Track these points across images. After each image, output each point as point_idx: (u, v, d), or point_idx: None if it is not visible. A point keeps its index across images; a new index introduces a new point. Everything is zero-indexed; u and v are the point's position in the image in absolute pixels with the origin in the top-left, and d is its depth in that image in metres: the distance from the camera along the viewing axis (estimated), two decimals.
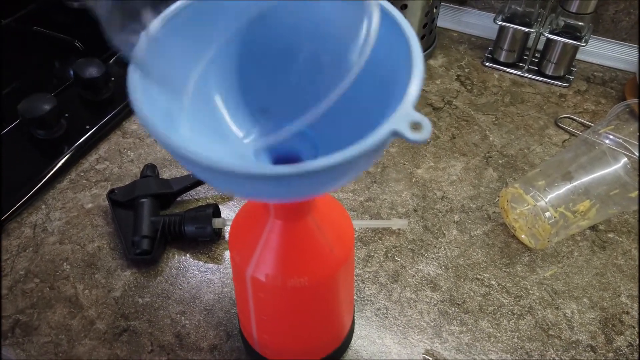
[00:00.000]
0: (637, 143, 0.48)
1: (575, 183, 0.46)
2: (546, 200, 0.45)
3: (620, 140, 0.48)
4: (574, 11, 0.59)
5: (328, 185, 0.23)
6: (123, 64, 0.69)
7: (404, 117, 0.21)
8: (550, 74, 0.65)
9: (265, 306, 0.33)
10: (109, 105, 0.61)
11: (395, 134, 0.20)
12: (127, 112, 0.61)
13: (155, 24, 0.25)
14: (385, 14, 0.24)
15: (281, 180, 0.20)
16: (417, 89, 0.21)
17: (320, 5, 0.27)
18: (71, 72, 0.61)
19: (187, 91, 0.26)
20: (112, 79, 0.63)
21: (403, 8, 0.62)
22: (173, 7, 0.26)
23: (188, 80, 0.26)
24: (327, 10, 0.27)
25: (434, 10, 0.65)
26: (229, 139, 0.28)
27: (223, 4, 0.27)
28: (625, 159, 0.46)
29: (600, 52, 0.68)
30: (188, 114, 0.26)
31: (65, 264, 0.47)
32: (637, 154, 0.47)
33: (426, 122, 0.20)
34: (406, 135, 0.20)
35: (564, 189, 0.46)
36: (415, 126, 0.21)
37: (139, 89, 0.22)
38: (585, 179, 0.47)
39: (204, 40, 0.27)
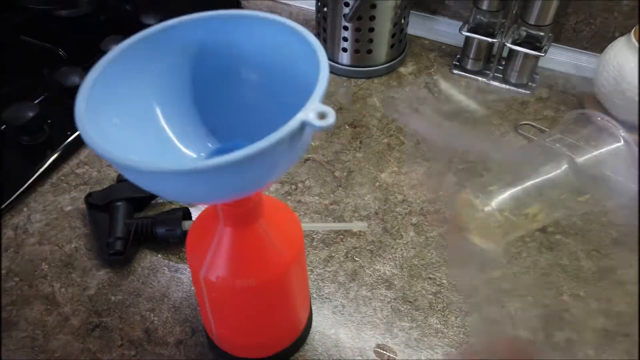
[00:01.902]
0: (584, 148, 0.51)
1: (523, 186, 0.49)
2: (492, 204, 0.48)
3: (567, 147, 0.51)
4: (533, 23, 0.62)
5: (258, 178, 0.25)
6: None
7: (312, 109, 0.24)
8: (513, 81, 0.68)
9: (219, 305, 0.36)
10: None
11: (305, 124, 0.24)
12: None
13: (100, 62, 0.28)
14: (299, 35, 0.28)
15: (203, 173, 0.23)
16: (323, 87, 0.25)
17: (253, 34, 0.30)
18: (55, 80, 0.64)
19: (136, 118, 0.29)
20: None
21: (372, 19, 0.65)
22: (117, 48, 0.28)
23: (135, 110, 0.29)
24: (260, 37, 0.30)
25: (402, 21, 0.68)
26: (182, 159, 0.31)
27: (163, 43, 0.30)
28: (567, 165, 0.49)
29: (562, 60, 0.71)
30: (139, 141, 0.29)
31: (44, 263, 0.50)
32: (578, 159, 0.50)
33: (330, 111, 0.24)
34: (314, 123, 0.23)
35: (509, 192, 0.49)
36: (322, 116, 0.24)
37: (85, 118, 0.25)
38: (535, 182, 0.50)
39: (149, 72, 0.30)
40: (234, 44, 0.31)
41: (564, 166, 0.49)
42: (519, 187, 0.49)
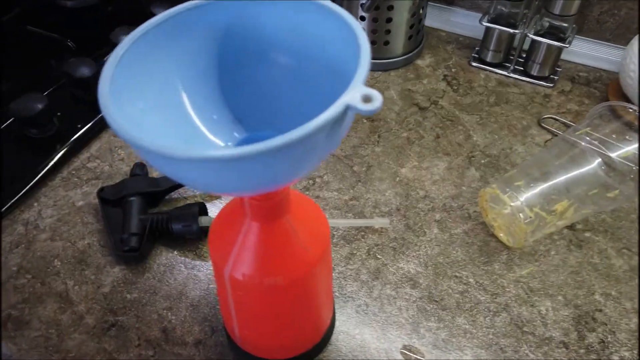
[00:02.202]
0: (613, 142, 0.49)
1: (552, 182, 0.48)
2: (522, 200, 0.46)
3: (597, 142, 0.49)
4: (557, 13, 0.60)
5: (293, 168, 0.23)
6: None
7: (356, 92, 0.22)
8: (535, 74, 0.66)
9: (244, 303, 0.34)
10: None
11: (350, 108, 0.22)
12: None
13: (125, 41, 0.26)
14: (335, 15, 0.26)
15: (242, 160, 0.21)
16: (365, 68, 0.23)
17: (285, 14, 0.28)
18: (64, 71, 0.62)
19: (161, 103, 0.27)
20: None
21: (390, 9, 0.63)
22: (142, 26, 0.27)
23: (160, 94, 0.28)
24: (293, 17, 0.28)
25: (420, 11, 0.66)
26: (211, 147, 0.29)
27: (189, 23, 0.28)
28: (600, 160, 0.48)
29: (585, 52, 0.69)
30: (165, 127, 0.27)
31: (56, 260, 0.48)
32: (612, 154, 0.48)
33: (376, 94, 0.22)
34: (359, 107, 0.21)
35: (539, 188, 0.47)
36: (367, 99, 0.22)
37: (109, 98, 0.23)
38: (563, 178, 0.48)
39: (175, 55, 0.28)
40: (263, 26, 0.29)
41: (596, 161, 0.47)
42: (549, 183, 0.47)
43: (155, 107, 0.27)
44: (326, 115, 0.21)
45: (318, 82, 0.29)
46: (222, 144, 0.30)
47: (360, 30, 0.25)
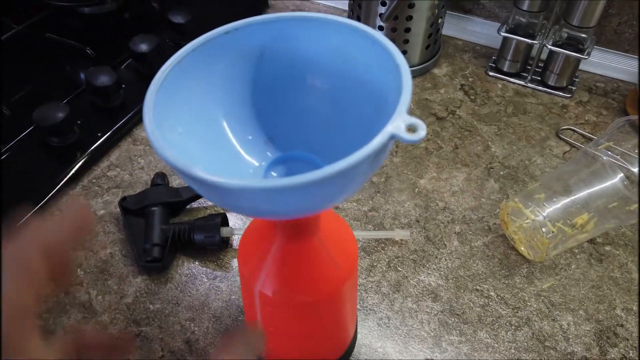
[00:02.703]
0: (635, 157, 0.49)
1: (574, 197, 0.48)
2: (544, 214, 0.46)
3: (618, 156, 0.49)
4: (576, 24, 0.60)
5: (336, 194, 0.24)
6: (134, 71, 0.70)
7: (400, 121, 0.22)
8: (552, 84, 0.66)
9: (272, 319, 0.35)
10: (120, 112, 0.62)
11: (394, 137, 0.22)
12: (138, 119, 0.62)
13: (164, 67, 0.26)
14: (374, 40, 0.26)
15: (286, 191, 0.21)
16: (408, 98, 0.23)
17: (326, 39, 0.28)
18: (83, 78, 0.62)
19: (199, 126, 0.28)
20: (123, 86, 0.64)
21: (408, 19, 0.63)
22: (179, 52, 0.27)
23: (198, 117, 0.28)
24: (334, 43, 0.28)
25: (439, 21, 0.66)
26: (246, 168, 0.30)
27: (226, 47, 0.28)
28: (622, 174, 0.47)
29: (603, 62, 0.69)
30: (203, 149, 0.27)
31: (79, 270, 0.49)
32: (634, 168, 0.48)
33: (420, 124, 0.22)
34: (404, 137, 0.22)
35: (562, 203, 0.47)
36: (411, 128, 0.22)
37: (155, 131, 0.24)
38: (585, 192, 0.48)
39: (212, 78, 0.28)
40: (298, 48, 0.29)
41: (618, 176, 0.47)
42: (571, 198, 0.47)
43: (193, 130, 0.27)
44: (372, 145, 0.21)
45: (353, 105, 0.29)
46: (256, 163, 0.30)
47: (400, 56, 0.25)
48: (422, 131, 0.22)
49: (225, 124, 0.29)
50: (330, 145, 0.30)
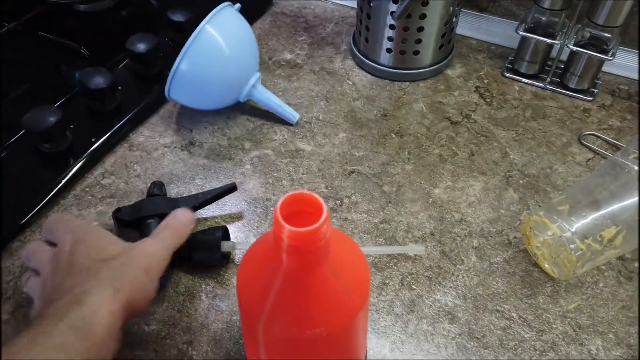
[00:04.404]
0: None
1: (604, 211, 0.44)
2: (573, 230, 0.43)
3: None
4: (601, 23, 0.57)
5: None
6: (131, 72, 0.67)
7: None
8: (573, 87, 0.63)
9: (278, 355, 0.31)
10: (115, 116, 0.59)
11: None
12: (134, 123, 0.59)
13: None
14: None
15: None
16: None
17: None
18: (77, 80, 0.59)
19: None
20: (119, 88, 0.61)
21: (422, 17, 0.59)
22: None
23: None
24: None
25: (454, 20, 0.62)
26: None
27: None
28: None
29: (626, 63, 0.65)
30: None
31: None
32: None
33: None
34: None
35: (591, 217, 0.44)
36: None
37: None
38: (615, 206, 0.44)
39: None
40: None
41: None
42: (601, 212, 0.43)
43: None
44: None
45: None
46: None
47: None
48: None
49: None
50: None
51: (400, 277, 0.46)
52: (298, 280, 0.28)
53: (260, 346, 0.31)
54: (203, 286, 0.46)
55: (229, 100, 0.59)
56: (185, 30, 0.67)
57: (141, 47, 0.62)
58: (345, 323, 0.30)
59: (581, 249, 0.42)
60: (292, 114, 0.59)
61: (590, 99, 0.62)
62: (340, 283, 0.29)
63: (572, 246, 0.42)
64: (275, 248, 0.28)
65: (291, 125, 0.60)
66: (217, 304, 0.44)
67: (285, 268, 0.28)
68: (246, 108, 0.61)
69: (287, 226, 0.26)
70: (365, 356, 0.40)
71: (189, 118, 0.60)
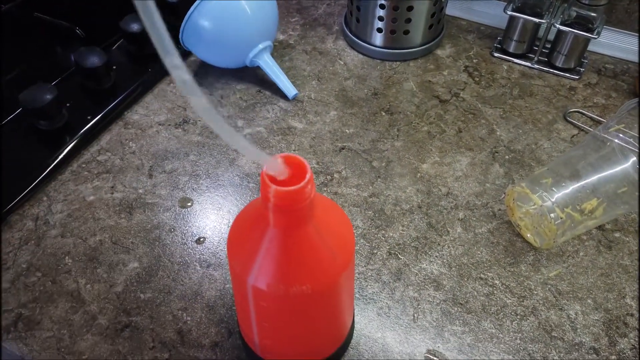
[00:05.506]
0: None
1: (583, 182, 0.46)
2: (553, 200, 0.44)
3: (631, 139, 0.47)
4: (586, 2, 0.58)
5: None
6: (125, 52, 0.67)
7: None
8: (560, 65, 0.64)
9: (267, 314, 0.33)
10: (110, 94, 0.60)
11: None
12: (129, 102, 0.60)
13: None
14: None
15: None
16: None
17: None
18: (72, 60, 0.60)
19: None
20: (114, 67, 0.62)
21: None
22: None
23: None
24: None
25: (442, 0, 0.63)
26: None
27: None
28: (635, 158, 0.45)
29: (613, 43, 0.66)
30: None
31: (67, 257, 0.47)
32: None
33: None
34: None
35: (571, 188, 0.45)
36: None
37: None
38: (594, 177, 0.46)
39: None
40: None
41: (631, 160, 0.45)
42: (581, 183, 0.45)
43: None
44: None
45: None
46: None
47: None
48: None
49: None
50: None
51: (387, 247, 0.48)
52: (284, 239, 0.29)
53: (250, 306, 0.32)
54: (197, 256, 0.47)
55: (237, 57, 0.60)
56: (178, 12, 0.68)
57: (135, 27, 0.63)
58: (329, 281, 0.31)
59: (561, 218, 0.44)
60: (291, 89, 0.60)
61: (577, 77, 0.63)
62: (325, 243, 0.31)
63: (552, 215, 0.44)
64: (262, 210, 0.30)
65: (284, 104, 0.61)
66: (211, 273, 0.46)
67: (272, 228, 0.29)
68: (239, 88, 0.63)
69: (273, 186, 0.27)
70: (353, 320, 0.42)
71: (183, 97, 0.62)
